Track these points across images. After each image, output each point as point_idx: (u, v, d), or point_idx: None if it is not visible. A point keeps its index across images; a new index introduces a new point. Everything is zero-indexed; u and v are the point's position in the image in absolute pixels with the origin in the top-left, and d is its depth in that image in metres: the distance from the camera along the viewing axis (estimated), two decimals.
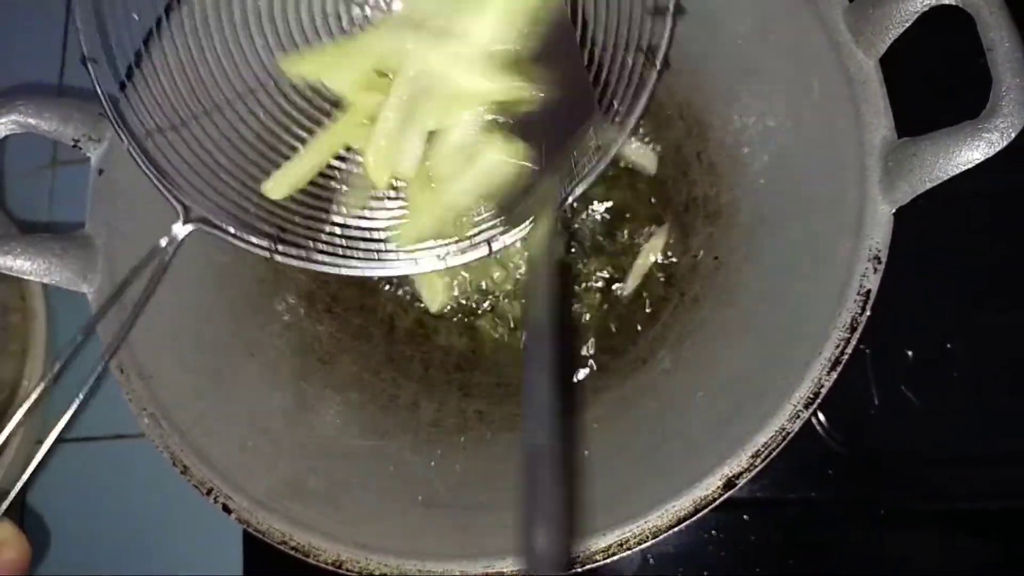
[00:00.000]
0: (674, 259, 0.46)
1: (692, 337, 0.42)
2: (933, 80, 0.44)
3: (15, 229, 0.55)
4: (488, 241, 0.38)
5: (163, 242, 0.37)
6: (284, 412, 0.41)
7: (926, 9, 0.34)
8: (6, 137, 0.39)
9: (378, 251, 0.39)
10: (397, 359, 0.46)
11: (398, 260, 0.39)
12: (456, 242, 0.38)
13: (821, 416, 0.45)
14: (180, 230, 0.37)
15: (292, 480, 0.38)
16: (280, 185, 0.39)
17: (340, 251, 0.38)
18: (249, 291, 0.45)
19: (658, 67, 0.37)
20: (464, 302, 0.47)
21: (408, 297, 0.47)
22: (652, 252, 0.46)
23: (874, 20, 0.35)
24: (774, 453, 0.33)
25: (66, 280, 0.39)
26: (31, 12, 0.62)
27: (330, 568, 0.35)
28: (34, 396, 0.35)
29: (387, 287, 0.47)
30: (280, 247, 0.38)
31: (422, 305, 0.47)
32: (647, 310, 0.45)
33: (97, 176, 0.41)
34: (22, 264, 0.38)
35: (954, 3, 0.33)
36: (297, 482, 0.38)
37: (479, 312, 0.46)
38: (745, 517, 0.45)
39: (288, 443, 0.40)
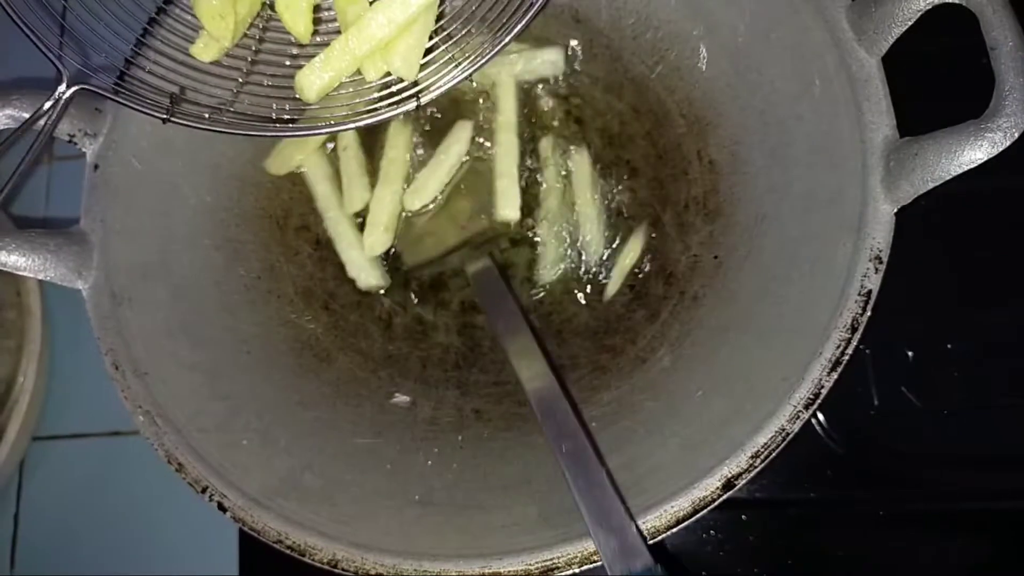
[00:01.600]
0: (650, 266, 0.45)
1: (692, 336, 0.42)
2: (935, 80, 0.44)
3: (11, 225, 0.55)
4: (417, 95, 0.37)
5: (46, 104, 0.36)
6: (280, 409, 0.41)
7: (929, 8, 0.34)
8: (1, 131, 0.39)
9: (288, 111, 0.37)
10: (394, 356, 0.46)
11: (309, 122, 0.37)
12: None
13: (820, 416, 0.45)
14: (64, 92, 0.36)
15: (288, 478, 0.38)
16: (209, 46, 0.37)
17: (248, 114, 0.37)
18: (245, 288, 0.44)
19: None
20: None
21: (406, 296, 0.47)
22: (631, 254, 0.45)
23: (877, 19, 0.35)
24: (774, 454, 0.33)
25: (61, 276, 0.39)
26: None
27: (326, 567, 0.35)
28: None
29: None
30: (177, 110, 0.36)
31: (418, 303, 0.47)
32: (646, 309, 0.44)
33: (92, 172, 0.40)
34: (17, 260, 0.38)
35: (958, 2, 0.33)
36: (293, 480, 0.38)
37: (477, 310, 0.46)
38: (744, 517, 0.45)
39: (284, 441, 0.40)
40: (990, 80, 0.32)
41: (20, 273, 0.38)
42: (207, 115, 0.36)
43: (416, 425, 0.43)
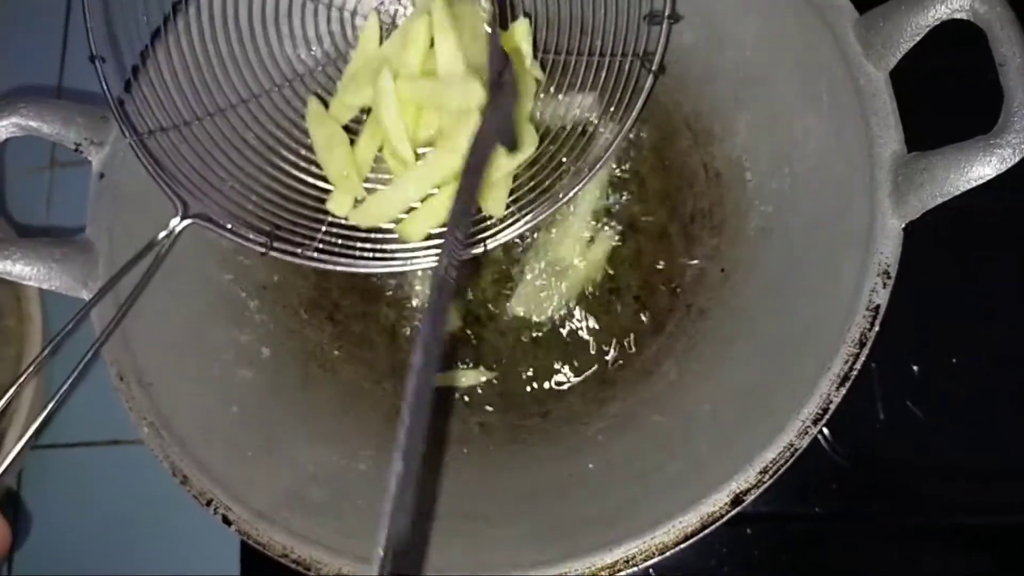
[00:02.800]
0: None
1: (698, 349, 0.42)
2: (944, 95, 0.44)
3: (13, 234, 0.55)
4: (483, 240, 0.39)
5: (161, 235, 0.38)
6: (285, 421, 0.41)
7: (937, 23, 0.34)
8: (7, 140, 0.39)
9: (374, 249, 0.40)
10: (399, 368, 0.45)
11: (394, 258, 0.40)
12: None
13: (826, 430, 0.45)
14: (177, 224, 0.38)
15: (293, 491, 0.38)
16: (344, 201, 0.40)
17: (336, 249, 0.39)
18: (250, 298, 0.44)
19: (654, 71, 0.39)
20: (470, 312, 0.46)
21: (411, 305, 0.47)
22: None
23: (885, 33, 0.35)
24: (782, 470, 0.33)
25: (66, 286, 0.39)
26: (30, 15, 0.61)
27: None
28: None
29: (388, 292, 0.47)
30: (275, 244, 0.39)
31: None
32: (652, 321, 0.44)
33: (98, 180, 0.40)
34: (22, 269, 0.38)
35: (966, 18, 0.33)
36: (298, 493, 0.38)
37: (482, 322, 0.46)
38: (748, 531, 0.45)
39: (289, 453, 0.39)
40: (998, 95, 0.32)
41: (24, 282, 0.38)
42: (299, 250, 0.39)
43: None
